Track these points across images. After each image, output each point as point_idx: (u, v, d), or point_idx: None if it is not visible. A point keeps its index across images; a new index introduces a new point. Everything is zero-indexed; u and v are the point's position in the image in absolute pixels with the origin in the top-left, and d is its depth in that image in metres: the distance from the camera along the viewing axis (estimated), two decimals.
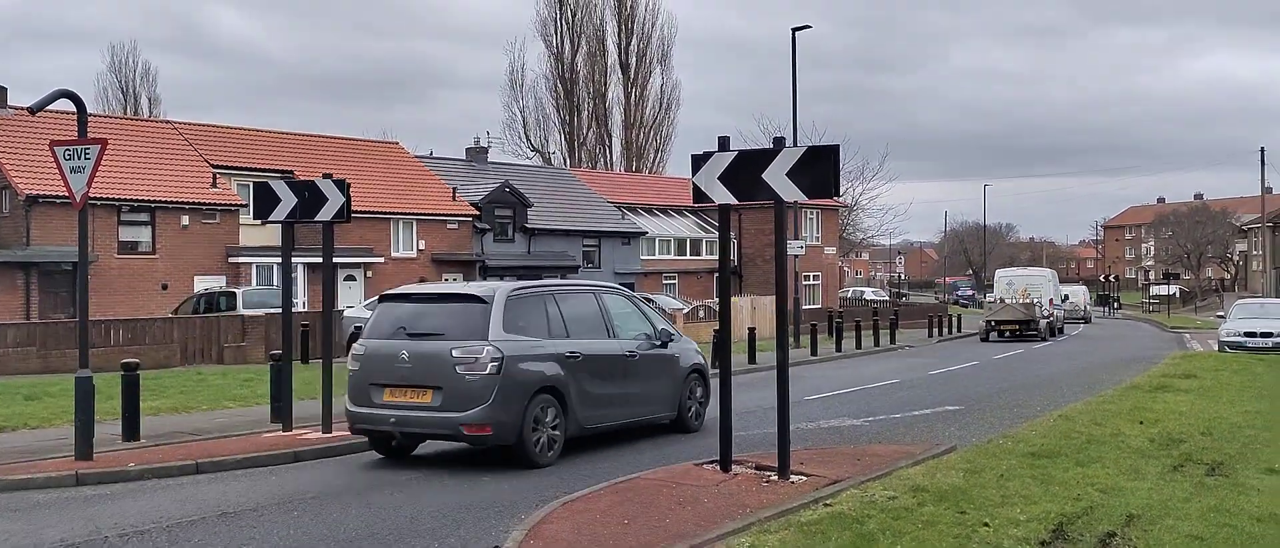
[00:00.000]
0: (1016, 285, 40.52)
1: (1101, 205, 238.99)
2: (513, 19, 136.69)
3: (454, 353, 10.51)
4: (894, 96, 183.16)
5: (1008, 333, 38.26)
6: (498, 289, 11.22)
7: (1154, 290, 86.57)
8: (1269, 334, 26.27)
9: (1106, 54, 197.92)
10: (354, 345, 11.51)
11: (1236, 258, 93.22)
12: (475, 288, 11.32)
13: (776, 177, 9.47)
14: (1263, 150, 60.11)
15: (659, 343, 12.83)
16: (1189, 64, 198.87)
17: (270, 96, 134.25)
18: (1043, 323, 38.55)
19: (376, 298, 27.34)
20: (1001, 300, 39.92)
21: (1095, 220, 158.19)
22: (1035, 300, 38.93)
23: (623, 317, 12.71)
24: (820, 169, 9.36)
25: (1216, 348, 27.60)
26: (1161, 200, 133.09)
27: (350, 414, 11.20)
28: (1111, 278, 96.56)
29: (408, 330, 10.95)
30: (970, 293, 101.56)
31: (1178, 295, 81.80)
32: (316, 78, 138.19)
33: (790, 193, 9.44)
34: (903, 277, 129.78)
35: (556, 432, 11.06)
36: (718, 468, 9.93)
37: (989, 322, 39.18)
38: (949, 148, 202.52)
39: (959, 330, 45.13)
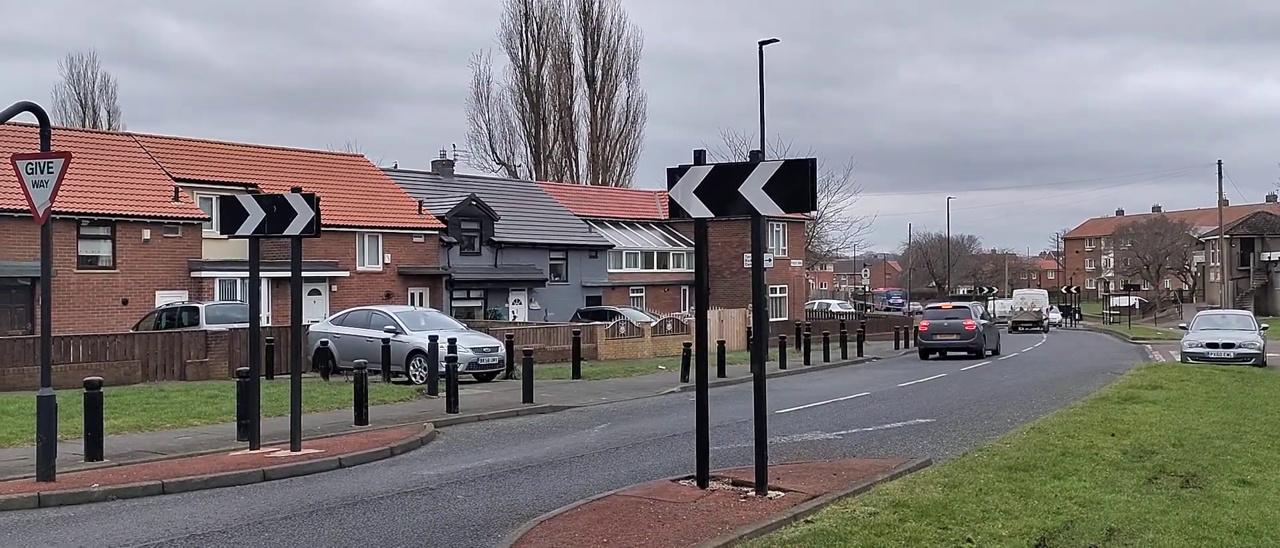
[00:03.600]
0: (1026, 300, 68.64)
1: (1059, 217, 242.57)
2: (465, 33, 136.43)
3: (962, 322, 32.86)
4: (846, 111, 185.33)
5: (1023, 328, 63.19)
6: (970, 305, 38.17)
7: (1114, 301, 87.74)
8: (1231, 345, 26.60)
9: (1049, 69, 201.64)
10: (920, 320, 35.47)
11: (1194, 269, 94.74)
12: (964, 305, 37.36)
13: (753, 190, 9.43)
14: (1219, 164, 61.35)
15: (991, 320, 37.76)
16: (1130, 79, 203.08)
17: (219, 109, 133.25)
18: (1044, 321, 66.04)
19: (344, 312, 27.10)
20: (1021, 309, 66.39)
21: (1055, 232, 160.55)
22: (1038, 309, 66.19)
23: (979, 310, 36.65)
24: (797, 183, 9.33)
25: (1179, 359, 27.91)
26: (1120, 212, 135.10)
27: (922, 343, 33.41)
28: (1072, 289, 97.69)
29: (946, 317, 33.37)
30: (900, 301, 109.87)
31: (1137, 306, 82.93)
32: (265, 90, 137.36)
33: (767, 207, 9.40)
34: (867, 289, 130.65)
35: (982, 347, 33.05)
36: (695, 484, 9.84)
37: (1014, 322, 64.41)
38: (904, 161, 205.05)
39: None
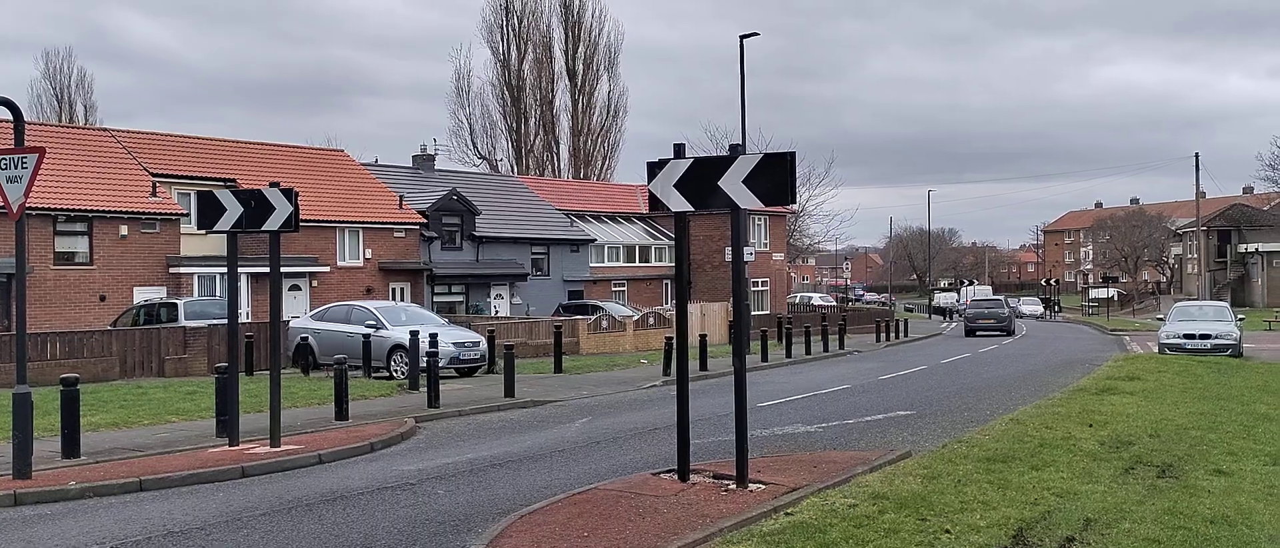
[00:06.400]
0: (979, 293, 76.40)
1: (1038, 210, 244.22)
2: (442, 27, 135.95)
3: (998, 310, 47.69)
4: (821, 103, 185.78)
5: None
6: (1000, 298, 56.69)
7: (1093, 293, 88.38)
8: (1207, 336, 26.83)
9: (1018, 62, 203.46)
10: (968, 310, 50.81)
11: (1172, 261, 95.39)
12: (997, 298, 55.70)
13: (733, 184, 9.44)
14: (1197, 156, 61.80)
15: (1011, 309, 50.86)
16: (1098, 72, 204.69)
17: (191, 104, 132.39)
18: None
19: (325, 307, 26.97)
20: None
21: (1034, 225, 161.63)
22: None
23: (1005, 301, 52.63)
24: (776, 176, 9.34)
25: (1156, 350, 28.12)
26: (1099, 205, 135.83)
27: (967, 325, 47.56)
28: (1052, 281, 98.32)
29: (986, 306, 49.46)
30: (861, 293, 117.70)
31: (1116, 298, 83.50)
32: (237, 85, 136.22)
33: (747, 200, 9.41)
34: (849, 282, 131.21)
35: (1009, 327, 46.69)
36: (675, 477, 9.86)
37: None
38: (881, 153, 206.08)
39: (906, 335, 45.67)
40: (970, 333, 46.79)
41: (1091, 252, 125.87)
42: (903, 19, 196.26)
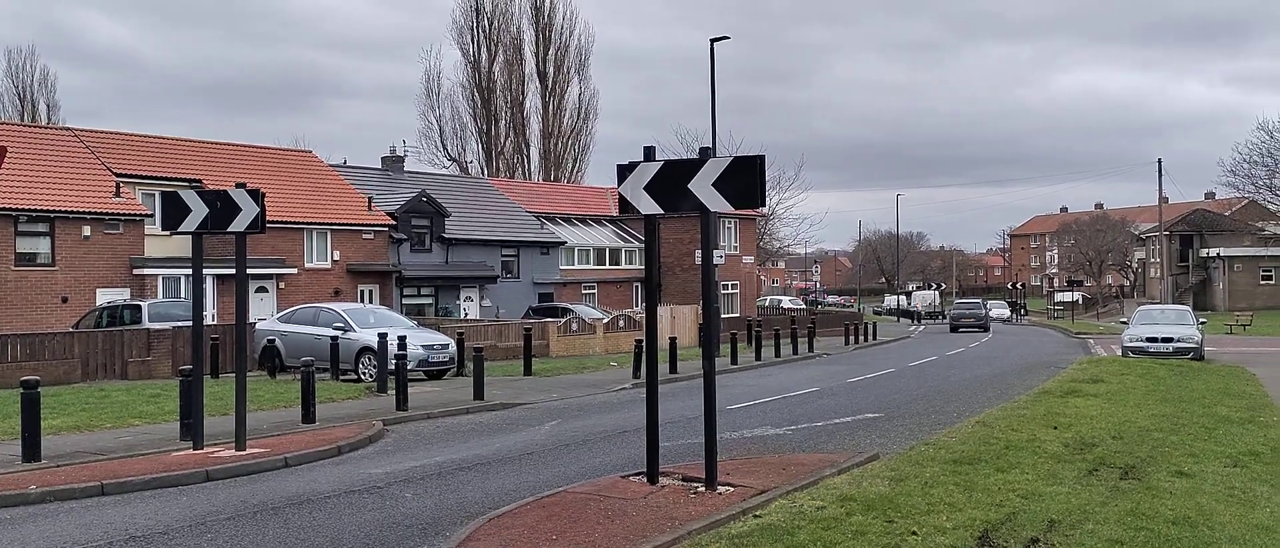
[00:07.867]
0: (926, 298, 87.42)
1: (1005, 214, 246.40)
2: (409, 28, 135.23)
3: (977, 311, 58.31)
4: (789, 108, 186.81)
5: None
6: (979, 300, 68.15)
7: (1058, 297, 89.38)
8: (1169, 339, 27.17)
9: (982, 68, 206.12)
10: (952, 311, 61.97)
11: (1135, 265, 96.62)
12: (976, 301, 67.41)
13: (702, 187, 9.46)
14: (1160, 162, 62.75)
15: (988, 309, 63.26)
16: (1061, 78, 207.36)
17: (154, 104, 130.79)
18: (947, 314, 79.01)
19: (292, 309, 26.75)
20: (931, 303, 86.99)
21: (1001, 229, 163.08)
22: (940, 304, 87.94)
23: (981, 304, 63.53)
24: (746, 179, 9.37)
25: (1120, 353, 28.45)
26: (1064, 210, 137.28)
27: (952, 323, 57.70)
28: (1018, 285, 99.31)
29: (967, 308, 59.64)
30: (826, 296, 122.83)
31: (1081, 302, 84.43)
32: (200, 85, 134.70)
33: (716, 203, 9.43)
34: (819, 285, 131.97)
35: (986, 325, 57.44)
36: (644, 480, 9.86)
37: (927, 312, 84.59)
38: (848, 158, 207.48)
39: (875, 337, 45.94)
40: (954, 329, 55.74)
41: (1057, 256, 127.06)
42: (869, 26, 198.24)
